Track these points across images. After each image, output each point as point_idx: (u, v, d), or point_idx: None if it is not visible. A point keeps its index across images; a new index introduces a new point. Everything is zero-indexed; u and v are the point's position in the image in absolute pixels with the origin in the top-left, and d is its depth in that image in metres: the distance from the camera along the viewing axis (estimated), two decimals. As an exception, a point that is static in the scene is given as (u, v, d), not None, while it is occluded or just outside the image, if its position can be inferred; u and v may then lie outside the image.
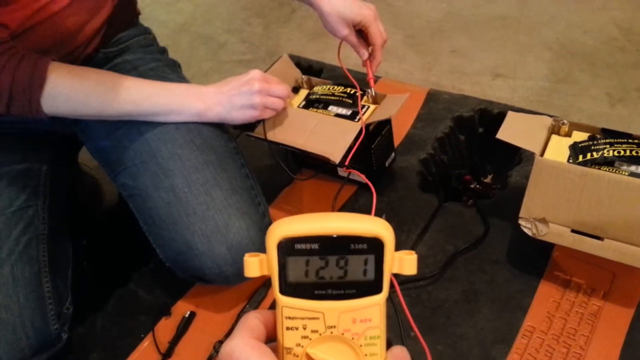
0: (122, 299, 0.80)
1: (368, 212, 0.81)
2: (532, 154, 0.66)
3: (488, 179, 0.96)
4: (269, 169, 0.93)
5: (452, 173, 0.91)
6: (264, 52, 1.48)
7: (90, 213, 1.03)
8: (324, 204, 0.87)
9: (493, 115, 0.93)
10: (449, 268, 0.74)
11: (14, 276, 0.68)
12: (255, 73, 0.74)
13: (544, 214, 0.66)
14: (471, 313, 0.69)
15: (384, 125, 0.83)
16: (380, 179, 0.87)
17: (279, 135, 0.79)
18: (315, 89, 0.85)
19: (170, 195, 0.71)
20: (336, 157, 0.73)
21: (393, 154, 0.89)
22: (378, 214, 0.84)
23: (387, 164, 0.88)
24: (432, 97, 0.99)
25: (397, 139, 0.92)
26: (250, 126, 0.81)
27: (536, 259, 0.73)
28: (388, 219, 0.83)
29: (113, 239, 0.91)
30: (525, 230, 0.68)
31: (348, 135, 0.75)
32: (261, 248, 0.72)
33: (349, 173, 0.80)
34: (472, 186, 0.91)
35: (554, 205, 0.66)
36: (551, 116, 0.71)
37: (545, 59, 1.17)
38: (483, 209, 0.80)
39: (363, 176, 0.74)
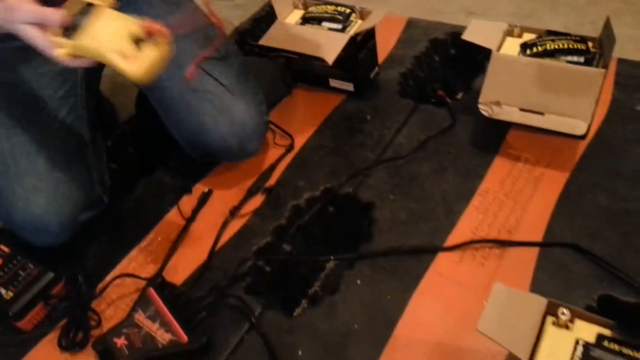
0: (148, 184, 0.95)
1: (355, 115, 0.98)
2: (490, 51, 0.82)
3: (459, 96, 1.12)
4: (269, 85, 1.08)
5: (427, 87, 1.07)
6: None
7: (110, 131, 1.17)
8: (318, 109, 1.02)
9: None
10: (422, 150, 0.90)
11: (65, 145, 0.82)
12: None
13: (498, 97, 0.82)
14: (439, 182, 0.85)
15: (369, 39, 0.98)
16: (365, 88, 1.02)
17: (278, 44, 0.94)
18: (311, 9, 1.00)
19: (183, 84, 0.85)
20: (329, 58, 0.88)
21: (377, 68, 1.04)
22: (362, 116, 0.99)
23: (371, 75, 1.03)
24: (412, 24, 1.15)
25: (381, 58, 1.07)
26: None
27: (494, 141, 0.89)
28: (371, 119, 0.97)
29: (134, 142, 1.05)
30: (483, 112, 0.84)
31: (340, 41, 0.90)
32: (258, 127, 0.87)
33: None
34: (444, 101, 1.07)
35: (506, 90, 0.82)
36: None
37: (513, 1, 1.33)
38: (450, 108, 0.96)
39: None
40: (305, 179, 0.90)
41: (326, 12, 0.97)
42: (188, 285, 0.79)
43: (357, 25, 0.94)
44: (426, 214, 0.81)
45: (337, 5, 0.98)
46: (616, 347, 0.51)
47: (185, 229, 0.86)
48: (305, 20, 0.98)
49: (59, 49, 0.61)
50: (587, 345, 0.51)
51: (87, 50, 0.61)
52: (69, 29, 0.61)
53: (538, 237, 0.76)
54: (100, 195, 0.86)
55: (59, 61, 0.63)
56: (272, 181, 0.91)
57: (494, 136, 0.89)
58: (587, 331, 0.52)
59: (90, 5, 0.61)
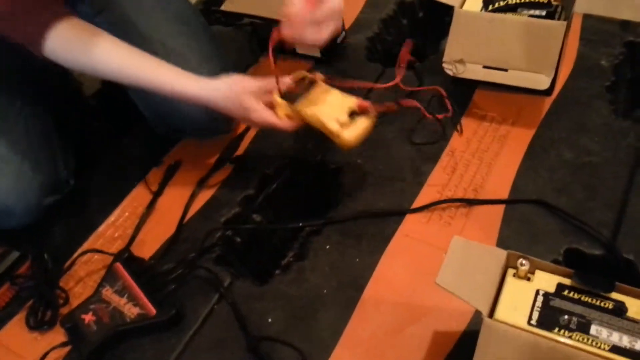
0: (115, 158, 0.93)
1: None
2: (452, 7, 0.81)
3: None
4: (235, 53, 1.06)
5: (395, 50, 1.05)
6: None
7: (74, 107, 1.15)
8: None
9: (432, 1, 1.07)
10: (390, 113, 0.89)
11: (27, 129, 0.80)
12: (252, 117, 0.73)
13: (461, 55, 0.81)
14: (406, 144, 0.85)
15: (333, 3, 0.96)
16: (333, 53, 1.00)
17: (242, 8, 0.92)
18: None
19: None
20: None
21: (344, 33, 1.02)
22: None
23: (338, 40, 1.01)
24: (378, -14, 1.13)
25: (347, 22, 1.05)
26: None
27: (460, 101, 0.88)
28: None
29: (99, 117, 1.03)
30: (448, 71, 0.83)
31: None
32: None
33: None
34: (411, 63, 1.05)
35: (469, 47, 0.81)
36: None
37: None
38: (417, 71, 0.95)
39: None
40: (273, 148, 0.89)
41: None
42: (156, 258, 0.78)
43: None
44: (394, 176, 0.81)
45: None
46: (576, 295, 0.51)
47: (152, 203, 0.85)
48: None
49: (278, 109, 0.72)
50: (547, 295, 0.51)
51: (306, 115, 0.71)
52: (290, 95, 0.72)
53: (504, 194, 0.76)
54: (66, 179, 0.84)
55: (279, 125, 0.71)
56: (240, 151, 0.90)
57: (460, 97, 0.89)
58: (547, 281, 0.53)
59: (307, 77, 0.74)
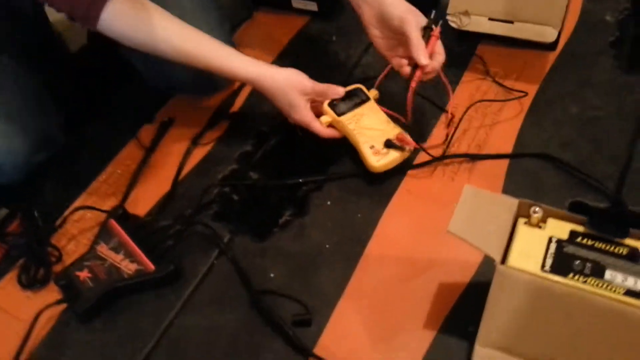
0: (105, 115, 0.90)
1: (320, 37, 0.93)
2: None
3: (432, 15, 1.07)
4: (229, 9, 1.02)
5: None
6: None
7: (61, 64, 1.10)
8: (281, 32, 0.97)
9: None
10: (391, 70, 0.87)
11: (14, 85, 0.76)
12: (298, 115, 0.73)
13: (466, 7, 0.79)
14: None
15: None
16: (330, 7, 0.97)
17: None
18: None
19: None
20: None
21: (341, -14, 0.99)
22: (328, 37, 0.95)
23: (335, -7, 0.98)
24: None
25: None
26: None
27: (463, 56, 0.86)
28: (337, 39, 0.94)
29: (88, 73, 0.99)
30: (452, 24, 0.81)
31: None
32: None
33: None
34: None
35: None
36: None
37: None
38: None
39: None
40: (270, 104, 0.86)
41: None
42: (152, 215, 0.76)
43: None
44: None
45: None
46: (589, 242, 0.50)
47: (145, 160, 0.82)
48: None
49: (324, 116, 0.75)
50: (560, 242, 0.50)
51: (346, 130, 0.74)
52: (339, 104, 0.75)
53: (508, 149, 0.75)
54: (56, 136, 0.81)
55: (317, 129, 0.73)
56: (235, 107, 0.87)
57: (463, 51, 0.86)
58: (560, 229, 0.51)
59: (363, 92, 0.77)
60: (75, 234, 0.75)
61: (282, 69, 0.73)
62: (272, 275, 0.68)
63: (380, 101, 0.78)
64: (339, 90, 0.76)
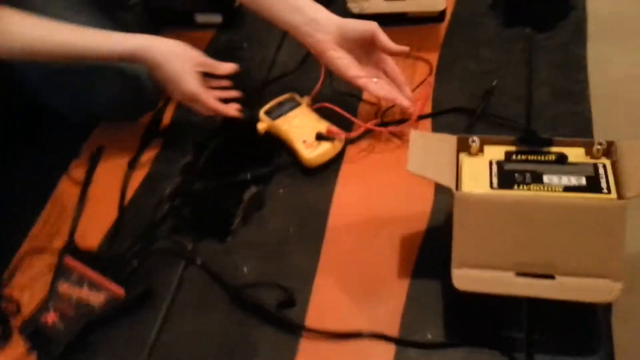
0: (31, 156, 0.86)
1: (231, 46, 0.96)
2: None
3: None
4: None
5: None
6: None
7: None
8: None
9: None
10: (307, 63, 0.92)
11: None
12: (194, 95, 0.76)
13: (363, -7, 0.87)
14: (330, 86, 0.88)
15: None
16: (234, 17, 1.01)
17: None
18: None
19: None
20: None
21: (239, -3, 1.03)
22: (238, 45, 0.98)
23: (235, 5, 1.02)
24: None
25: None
26: None
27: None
28: (248, 46, 0.97)
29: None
30: (354, 9, 0.88)
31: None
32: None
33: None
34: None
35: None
36: None
37: None
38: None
39: None
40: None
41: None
42: (105, 246, 0.74)
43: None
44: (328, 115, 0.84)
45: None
46: (523, 157, 0.58)
47: (83, 194, 0.80)
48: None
49: (260, 123, 0.80)
50: (499, 162, 0.58)
51: (280, 131, 0.80)
52: (273, 111, 0.82)
53: (427, 109, 0.82)
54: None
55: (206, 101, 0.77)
56: (165, 123, 0.87)
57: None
58: (496, 152, 0.59)
59: (295, 99, 0.84)
60: (28, 282, 0.71)
61: (169, 40, 0.74)
62: (245, 269, 0.69)
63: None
64: (230, 66, 0.79)
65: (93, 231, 0.75)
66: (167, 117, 0.88)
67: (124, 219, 0.76)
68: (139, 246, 0.72)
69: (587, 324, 0.58)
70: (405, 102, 0.76)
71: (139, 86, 0.81)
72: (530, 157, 0.57)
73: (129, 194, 0.79)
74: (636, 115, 1.33)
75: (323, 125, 0.79)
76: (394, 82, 0.79)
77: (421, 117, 0.81)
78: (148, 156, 0.83)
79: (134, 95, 0.81)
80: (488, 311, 0.59)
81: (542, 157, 0.57)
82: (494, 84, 0.81)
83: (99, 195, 0.80)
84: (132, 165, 0.82)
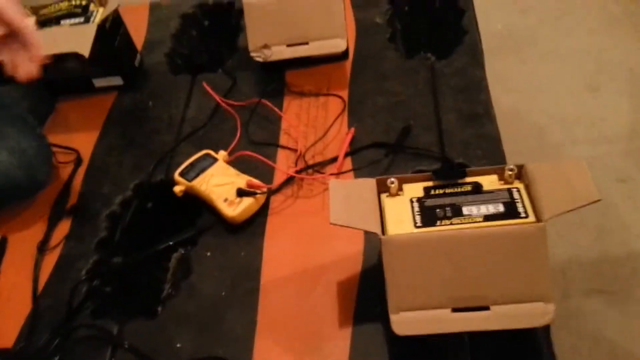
0: None
1: (136, 107, 0.93)
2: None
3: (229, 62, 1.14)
4: (28, 109, 0.96)
5: (196, 60, 1.06)
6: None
7: None
8: (92, 115, 0.94)
9: (214, 9, 1.11)
10: (217, 115, 0.90)
11: None
12: None
13: (264, 41, 0.87)
14: (244, 137, 0.87)
15: (118, 27, 0.93)
16: (134, 77, 0.97)
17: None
18: (42, 11, 0.90)
19: None
20: (85, 50, 0.82)
21: (139, 55, 1.00)
22: (144, 104, 0.95)
23: (136, 63, 0.99)
24: (156, 6, 1.12)
25: (138, 45, 1.03)
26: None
27: (276, 86, 0.93)
28: (154, 103, 0.94)
29: None
30: (258, 59, 0.87)
31: (88, 31, 0.84)
32: (41, 149, 0.77)
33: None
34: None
35: (267, 32, 0.87)
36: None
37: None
38: (227, 69, 0.98)
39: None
40: (109, 184, 0.83)
41: (61, 10, 0.89)
42: (22, 343, 0.67)
43: (99, 14, 0.89)
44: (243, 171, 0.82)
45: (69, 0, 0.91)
46: (440, 191, 0.59)
47: (-10, 290, 0.73)
48: (42, 24, 0.88)
49: (177, 186, 0.78)
50: (419, 200, 0.58)
51: (199, 192, 0.77)
52: (189, 171, 0.79)
53: (345, 146, 0.83)
54: None
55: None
56: (73, 200, 0.82)
57: (275, 83, 0.94)
58: (415, 190, 0.60)
59: (211, 156, 0.81)
60: None
61: None
62: (178, 345, 0.65)
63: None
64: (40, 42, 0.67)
65: (6, 330, 0.68)
66: (75, 191, 0.83)
67: (40, 309, 0.70)
68: (58, 339, 0.66)
69: (527, 344, 0.59)
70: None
71: (29, 159, 0.76)
72: (448, 190, 0.59)
73: (42, 281, 0.73)
74: (540, 124, 1.42)
75: (243, 180, 0.77)
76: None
77: (344, 156, 0.81)
78: (59, 236, 0.77)
79: (26, 170, 0.76)
80: (432, 349, 0.59)
81: (459, 189, 0.58)
82: (411, 123, 0.83)
83: (7, 289, 0.73)
84: (41, 250, 0.76)
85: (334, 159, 0.81)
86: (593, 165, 1.25)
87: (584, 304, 0.85)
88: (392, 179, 0.59)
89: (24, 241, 0.77)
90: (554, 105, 1.41)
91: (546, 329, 0.62)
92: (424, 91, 0.89)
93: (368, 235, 0.71)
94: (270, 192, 0.78)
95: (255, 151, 0.82)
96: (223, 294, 0.69)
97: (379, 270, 0.57)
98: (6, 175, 0.73)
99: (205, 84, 0.93)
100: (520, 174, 0.59)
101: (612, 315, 0.91)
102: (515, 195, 0.57)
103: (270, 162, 0.80)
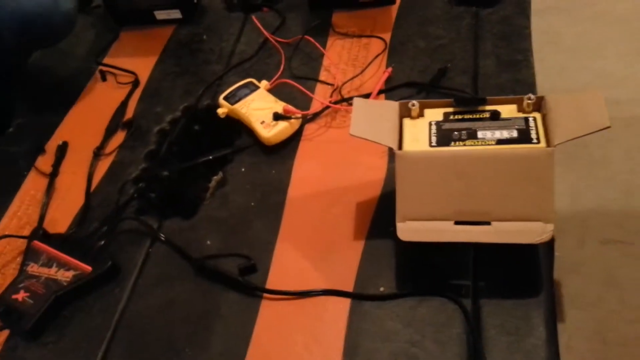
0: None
1: (191, 39, 0.99)
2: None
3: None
4: (94, 36, 1.06)
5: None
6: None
7: None
8: (152, 44, 1.02)
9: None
10: (264, 50, 0.95)
11: None
12: None
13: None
14: (287, 70, 0.91)
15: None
16: (193, 12, 1.04)
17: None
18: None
19: None
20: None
21: (199, -9, 1.06)
22: (198, 37, 1.01)
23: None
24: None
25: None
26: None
27: (323, 26, 0.97)
28: (208, 37, 1.00)
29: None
30: None
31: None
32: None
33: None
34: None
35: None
36: None
37: None
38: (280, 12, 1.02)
39: None
40: (161, 105, 0.91)
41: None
42: (73, 230, 0.76)
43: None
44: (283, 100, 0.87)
45: None
46: (459, 116, 0.62)
47: (51, 184, 0.82)
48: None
49: (221, 109, 0.84)
50: (438, 123, 0.61)
51: (240, 115, 0.83)
52: (233, 96, 0.85)
53: (381, 83, 0.86)
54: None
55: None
56: (128, 115, 0.90)
57: (321, 21, 0.98)
58: (436, 114, 0.63)
59: (254, 84, 0.88)
60: (-2, 268, 0.74)
61: None
62: (208, 242, 0.72)
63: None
64: None
65: (61, 218, 0.78)
66: (131, 108, 0.91)
67: (91, 204, 0.79)
68: (105, 228, 0.74)
69: (529, 270, 0.61)
70: None
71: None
72: (467, 116, 0.61)
73: (95, 181, 0.82)
74: (582, 81, 1.37)
75: (280, 106, 0.82)
76: None
77: (378, 93, 0.85)
78: (113, 145, 0.86)
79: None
80: (437, 263, 0.63)
81: (478, 115, 0.61)
82: (448, 65, 0.85)
83: (65, 185, 0.82)
84: (97, 154, 0.85)
85: (368, 95, 0.85)
86: (631, 125, 1.22)
87: (599, 252, 0.85)
88: (414, 102, 0.62)
89: (82, 147, 0.87)
90: (600, 65, 1.37)
91: (549, 266, 0.64)
92: (466, 37, 0.90)
93: (390, 165, 0.75)
94: (305, 119, 0.83)
95: (288, 78, 0.87)
96: (252, 204, 0.75)
97: (393, 197, 0.61)
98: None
99: (255, 19, 0.99)
100: (540, 105, 0.61)
101: (627, 263, 0.90)
102: (531, 123, 0.59)
103: (307, 92, 0.85)
